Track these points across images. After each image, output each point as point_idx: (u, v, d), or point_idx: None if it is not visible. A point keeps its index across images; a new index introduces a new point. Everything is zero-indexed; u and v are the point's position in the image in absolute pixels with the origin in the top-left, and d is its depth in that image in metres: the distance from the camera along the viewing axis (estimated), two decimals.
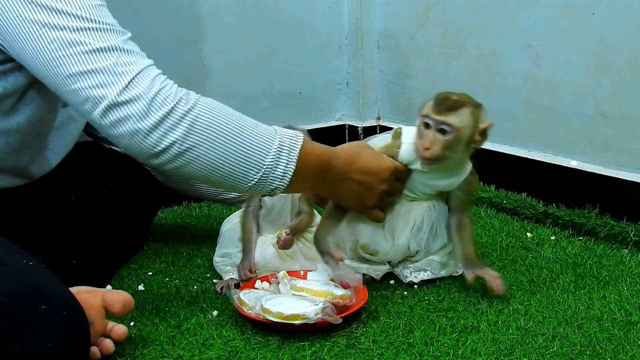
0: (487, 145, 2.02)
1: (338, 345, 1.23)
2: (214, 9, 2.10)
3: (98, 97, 1.12)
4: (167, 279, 1.55)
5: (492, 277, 1.39)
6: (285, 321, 1.24)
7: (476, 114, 1.32)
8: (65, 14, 1.13)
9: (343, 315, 1.28)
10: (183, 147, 1.15)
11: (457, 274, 1.51)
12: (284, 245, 1.50)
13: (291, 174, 1.21)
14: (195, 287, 1.51)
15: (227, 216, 1.64)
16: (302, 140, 1.24)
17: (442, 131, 1.30)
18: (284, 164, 1.21)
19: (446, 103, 1.30)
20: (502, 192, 1.96)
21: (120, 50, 1.14)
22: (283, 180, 1.22)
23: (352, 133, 2.41)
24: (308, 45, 2.31)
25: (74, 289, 1.23)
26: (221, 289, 1.47)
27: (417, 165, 1.37)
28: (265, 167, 1.19)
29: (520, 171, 1.94)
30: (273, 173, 1.20)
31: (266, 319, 1.26)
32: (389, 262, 1.50)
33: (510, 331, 1.27)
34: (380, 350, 1.21)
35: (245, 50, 2.19)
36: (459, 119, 1.30)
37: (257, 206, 1.54)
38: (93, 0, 1.16)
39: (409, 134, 1.39)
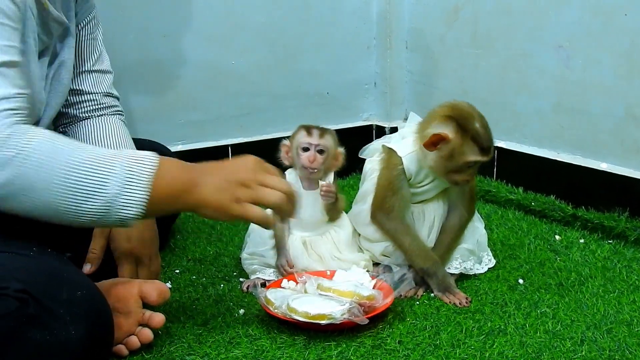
0: (516, 146, 2.02)
1: (364, 345, 1.24)
2: (242, 8, 2.11)
3: None
4: (194, 277, 1.56)
5: (461, 298, 1.41)
6: (312, 321, 1.25)
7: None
8: None
9: (369, 315, 1.28)
10: (10, 189, 1.03)
11: (486, 266, 1.55)
12: (327, 194, 1.50)
13: (143, 198, 1.08)
14: (222, 285, 1.51)
15: None
16: (154, 162, 1.10)
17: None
18: (133, 190, 1.08)
19: (488, 141, 1.38)
20: (531, 194, 1.95)
21: None
22: (136, 207, 1.08)
23: (379, 133, 2.39)
24: (336, 44, 2.31)
25: (110, 281, 1.25)
26: (248, 287, 1.48)
27: (423, 172, 1.46)
28: (108, 197, 1.06)
29: (549, 173, 1.92)
30: (120, 200, 1.07)
31: (292, 318, 1.27)
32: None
33: (538, 334, 1.26)
34: (406, 352, 1.21)
35: (273, 49, 2.19)
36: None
37: None
38: None
39: (401, 147, 1.46)
